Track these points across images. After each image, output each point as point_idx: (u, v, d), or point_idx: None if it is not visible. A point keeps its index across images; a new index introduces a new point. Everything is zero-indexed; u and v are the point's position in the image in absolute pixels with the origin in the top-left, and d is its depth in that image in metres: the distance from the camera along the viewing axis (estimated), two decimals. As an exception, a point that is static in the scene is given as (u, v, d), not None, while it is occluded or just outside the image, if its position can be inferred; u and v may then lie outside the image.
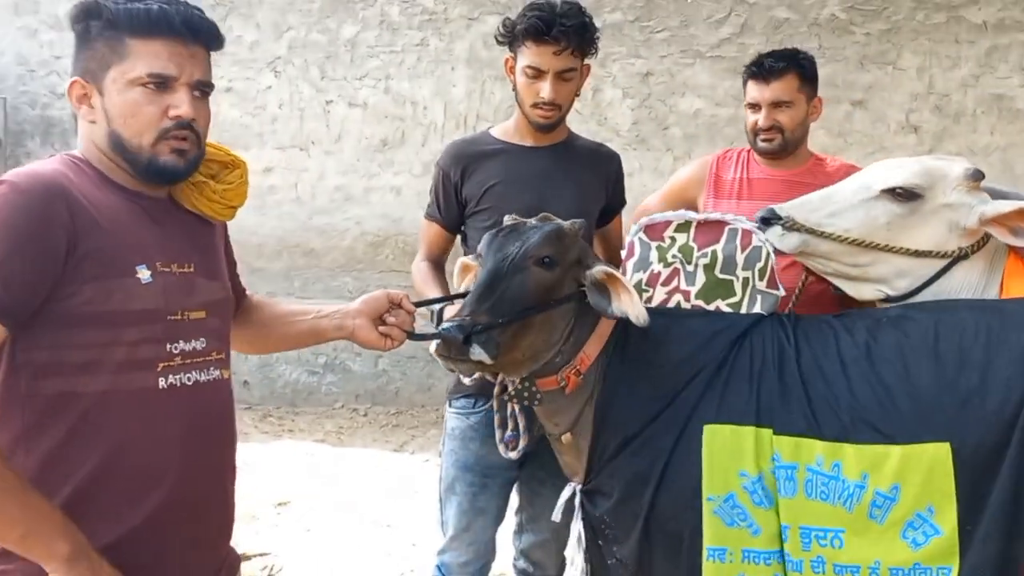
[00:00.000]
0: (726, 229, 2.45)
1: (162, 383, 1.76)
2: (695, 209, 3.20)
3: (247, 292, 2.26)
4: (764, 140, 3.12)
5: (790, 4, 6.81)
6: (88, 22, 1.79)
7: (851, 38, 6.70)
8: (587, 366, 2.35)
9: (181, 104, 1.79)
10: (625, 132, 7.18)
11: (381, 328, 2.23)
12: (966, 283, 2.43)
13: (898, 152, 6.61)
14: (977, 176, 2.45)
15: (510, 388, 2.42)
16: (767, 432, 2.21)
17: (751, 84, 3.16)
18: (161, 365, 1.76)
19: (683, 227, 2.47)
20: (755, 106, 3.14)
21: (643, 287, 2.46)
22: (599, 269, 2.32)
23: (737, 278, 2.44)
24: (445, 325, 2.19)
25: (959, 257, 2.42)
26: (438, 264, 2.99)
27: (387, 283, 7.11)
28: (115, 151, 1.80)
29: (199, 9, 1.87)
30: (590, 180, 2.95)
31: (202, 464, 1.83)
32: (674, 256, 2.45)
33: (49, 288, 1.65)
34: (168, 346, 1.77)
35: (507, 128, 2.96)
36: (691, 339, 2.35)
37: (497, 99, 7.44)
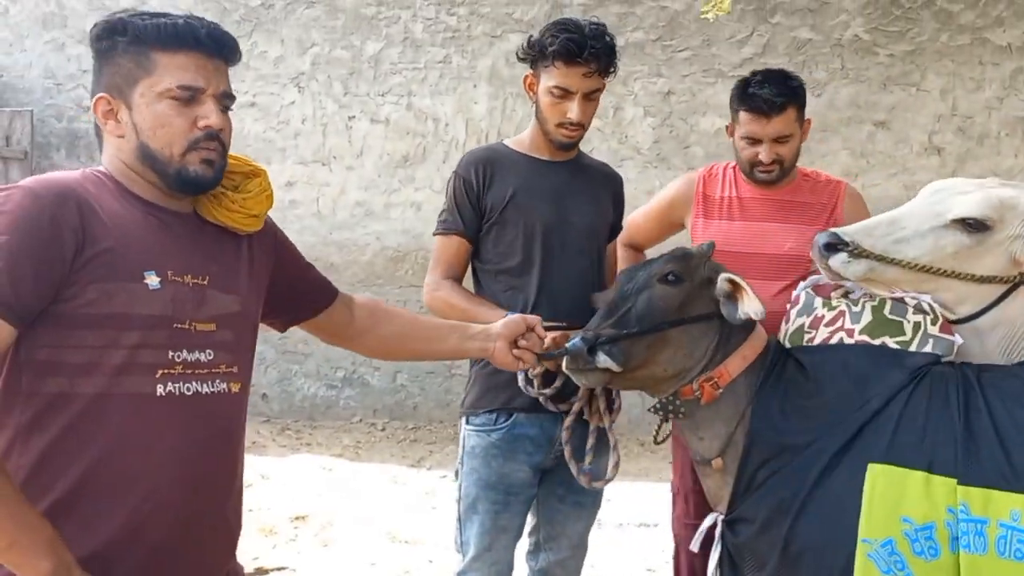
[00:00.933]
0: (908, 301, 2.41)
1: (160, 390, 1.75)
2: (681, 228, 3.22)
3: (341, 295, 2.28)
4: (763, 172, 3.04)
5: (813, 24, 6.81)
6: (113, 39, 1.82)
7: (874, 59, 6.69)
8: (726, 380, 2.37)
9: (210, 115, 1.82)
10: (646, 150, 7.18)
11: (515, 351, 2.36)
12: None
13: (921, 174, 6.58)
14: None
15: (656, 403, 2.47)
16: (948, 481, 2.08)
17: (748, 117, 3.03)
18: (161, 372, 1.76)
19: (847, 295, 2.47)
20: (755, 140, 3.03)
21: (806, 329, 2.43)
22: (722, 277, 2.38)
23: (907, 321, 2.36)
24: (570, 340, 2.35)
25: (1021, 283, 2.39)
26: (459, 283, 2.92)
27: (406, 299, 7.13)
28: (144, 163, 1.83)
29: (219, 27, 1.90)
30: (602, 197, 2.96)
31: (196, 476, 1.81)
32: (839, 301, 2.43)
33: (56, 290, 1.68)
34: (171, 354, 1.77)
35: (522, 141, 2.95)
36: (854, 372, 2.29)
37: (519, 116, 7.46)
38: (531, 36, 2.83)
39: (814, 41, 6.81)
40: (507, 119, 7.55)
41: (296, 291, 2.16)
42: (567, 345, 2.35)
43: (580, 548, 2.95)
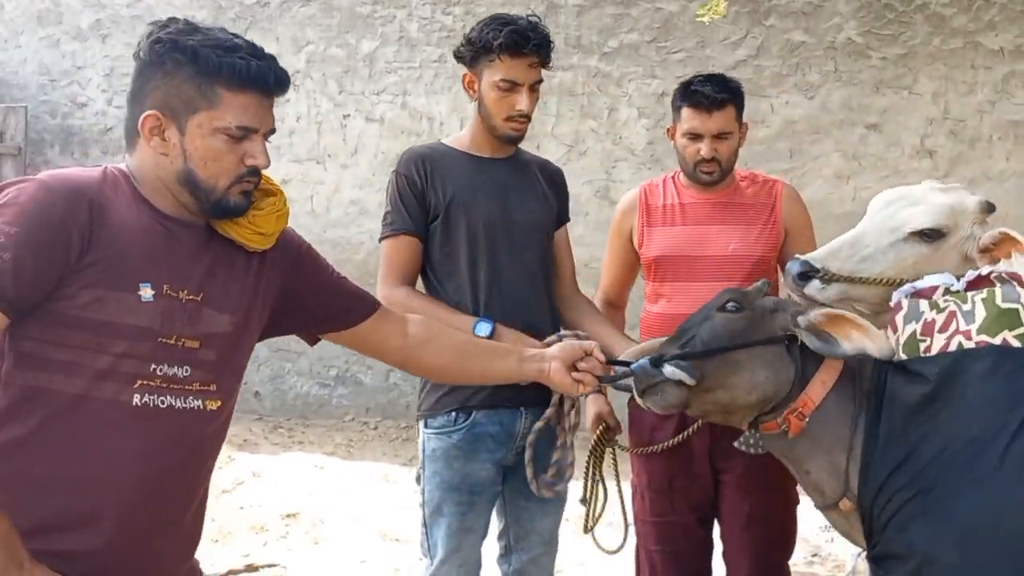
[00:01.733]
0: (994, 278, 2.33)
1: (136, 399, 1.79)
2: (630, 236, 3.22)
3: (387, 309, 2.26)
4: (705, 172, 3.09)
5: (806, 27, 6.83)
6: (178, 60, 1.82)
7: (867, 62, 6.72)
8: (810, 408, 2.31)
9: (258, 155, 1.89)
10: (640, 151, 7.20)
11: (574, 374, 2.35)
12: None
13: (913, 176, 6.60)
14: (990, 209, 2.54)
15: (741, 438, 2.46)
16: None
17: (691, 112, 3.08)
18: (139, 382, 1.79)
19: (950, 292, 2.37)
20: (696, 136, 3.08)
21: (919, 337, 2.31)
22: (818, 313, 2.33)
23: (1023, 306, 2.26)
24: (635, 363, 2.32)
25: None
26: (414, 288, 2.90)
27: (400, 297, 7.10)
28: (184, 186, 1.86)
29: (277, 64, 1.94)
30: (545, 193, 2.98)
31: (157, 485, 1.84)
32: (946, 301, 2.32)
33: (54, 285, 1.71)
34: (152, 366, 1.80)
35: (461, 140, 2.95)
36: (983, 383, 2.16)
37: (513, 116, 7.47)
38: (469, 34, 2.86)
39: (807, 44, 6.83)
40: (501, 119, 7.56)
41: (321, 304, 2.14)
42: (632, 367, 2.35)
43: (551, 544, 2.96)
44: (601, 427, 3.04)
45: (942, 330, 2.28)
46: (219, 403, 1.93)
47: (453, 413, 2.79)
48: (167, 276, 1.82)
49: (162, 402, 1.82)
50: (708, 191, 3.16)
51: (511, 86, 2.78)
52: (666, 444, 2.96)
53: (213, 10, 8.05)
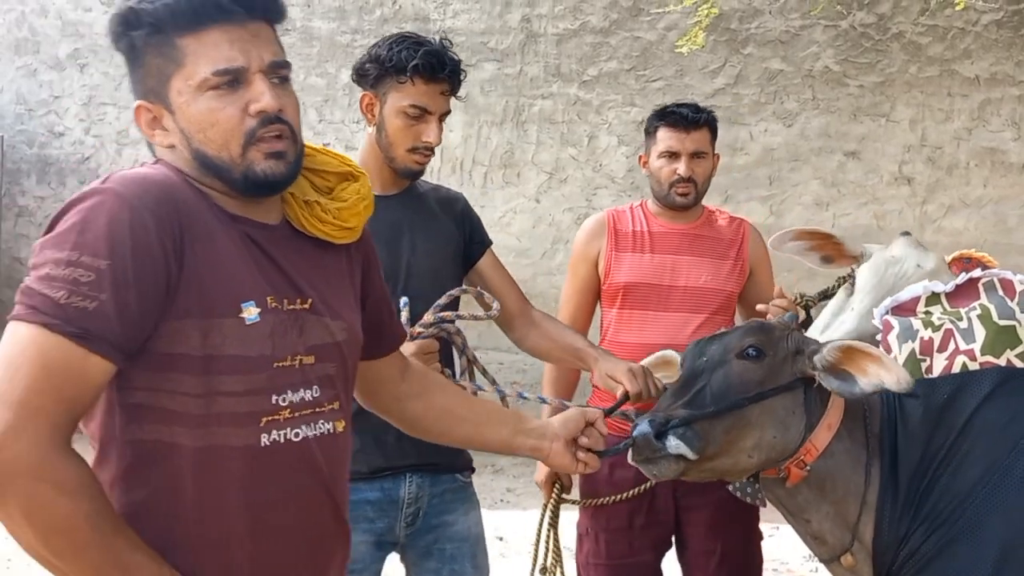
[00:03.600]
0: (980, 285, 2.29)
1: (265, 440, 1.52)
2: (596, 262, 3.11)
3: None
4: (680, 194, 3.03)
5: (784, 56, 6.88)
6: (130, 34, 1.53)
7: (845, 90, 6.76)
8: (813, 456, 2.10)
9: (260, 95, 1.52)
10: (620, 179, 7.21)
11: (580, 455, 2.00)
12: None
13: (890, 203, 6.64)
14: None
15: (737, 485, 2.26)
16: None
17: (668, 132, 3.05)
18: (264, 419, 1.52)
19: (933, 300, 2.33)
20: (673, 155, 3.04)
21: (918, 357, 2.23)
22: (831, 347, 2.10)
23: (1019, 323, 2.22)
24: (638, 424, 2.05)
25: None
26: None
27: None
28: (206, 173, 1.55)
29: None
30: (444, 226, 2.64)
31: (302, 530, 1.59)
32: (940, 318, 2.25)
33: (157, 320, 1.43)
34: (274, 397, 1.53)
35: None
36: (1000, 407, 2.10)
37: (493, 144, 7.48)
38: (376, 50, 2.53)
39: (785, 72, 6.88)
40: (482, 147, 7.56)
41: (370, 319, 1.81)
42: (633, 434, 2.05)
43: None
44: (557, 487, 2.82)
45: (941, 349, 2.22)
46: (344, 423, 1.66)
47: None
48: (266, 288, 1.53)
49: (295, 435, 1.55)
50: (679, 222, 3.12)
51: (421, 113, 2.47)
52: (628, 494, 2.79)
53: (192, 39, 8.04)
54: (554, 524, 2.78)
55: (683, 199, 3.05)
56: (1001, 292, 2.26)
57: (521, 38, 7.38)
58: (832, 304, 2.67)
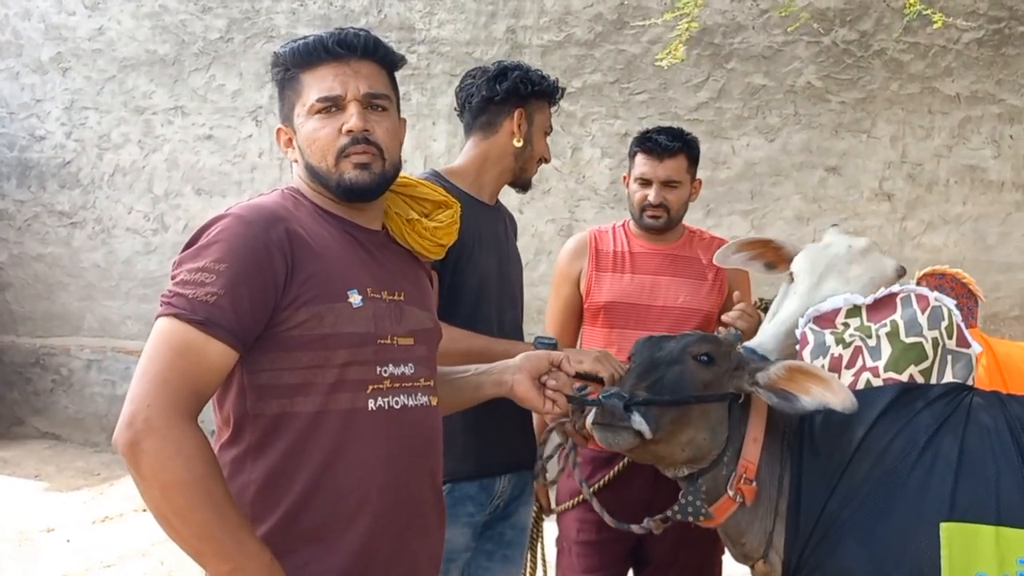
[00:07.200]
0: (898, 300, 2.37)
1: (372, 405, 1.81)
2: (578, 280, 3.19)
3: None
4: (651, 217, 3.12)
5: (767, 71, 6.92)
6: (274, 72, 1.95)
7: (826, 106, 6.80)
8: (753, 472, 2.23)
9: (351, 118, 1.87)
10: (603, 191, 7.23)
11: (547, 392, 2.21)
12: None
13: (871, 219, 6.69)
14: (903, 273, 2.63)
15: (675, 506, 2.29)
16: (1016, 533, 2.01)
17: (642, 159, 3.15)
18: (371, 387, 1.81)
19: (853, 312, 2.39)
20: (646, 182, 3.13)
21: None
22: (779, 366, 2.21)
23: (926, 339, 2.30)
24: (606, 392, 2.17)
25: None
26: None
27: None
28: (314, 181, 1.92)
29: (364, 30, 1.97)
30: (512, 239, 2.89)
31: (404, 490, 1.85)
32: (852, 335, 2.33)
33: (271, 313, 1.75)
34: (378, 369, 1.83)
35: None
36: (890, 421, 2.17)
37: (477, 155, 7.47)
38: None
39: (768, 87, 6.92)
40: (465, 157, 7.56)
41: None
42: (601, 397, 2.15)
43: None
44: (536, 508, 2.92)
45: (849, 366, 2.32)
46: (437, 399, 1.96)
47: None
48: (368, 280, 1.85)
49: (396, 403, 1.85)
50: (658, 242, 3.18)
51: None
52: (593, 488, 2.82)
53: (176, 45, 8.01)
54: (534, 542, 2.91)
55: (654, 222, 3.13)
56: (915, 306, 2.33)
57: (506, 49, 7.39)
58: (778, 296, 2.74)
